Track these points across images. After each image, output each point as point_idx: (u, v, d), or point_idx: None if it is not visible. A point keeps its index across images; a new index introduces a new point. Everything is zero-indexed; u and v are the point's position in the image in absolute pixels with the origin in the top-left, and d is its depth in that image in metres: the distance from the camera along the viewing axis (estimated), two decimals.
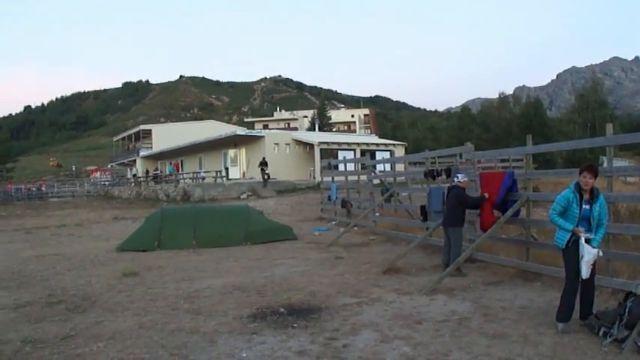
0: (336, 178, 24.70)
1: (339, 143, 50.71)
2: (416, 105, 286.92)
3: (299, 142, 49.90)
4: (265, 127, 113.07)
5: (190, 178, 47.12)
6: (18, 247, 20.90)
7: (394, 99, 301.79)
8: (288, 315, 8.68)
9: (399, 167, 26.02)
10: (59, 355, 7.44)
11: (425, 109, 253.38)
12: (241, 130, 58.01)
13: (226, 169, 50.89)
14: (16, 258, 17.61)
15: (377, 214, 20.09)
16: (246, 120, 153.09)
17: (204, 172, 47.88)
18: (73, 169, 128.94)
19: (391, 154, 49.97)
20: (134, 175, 67.64)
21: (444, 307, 8.96)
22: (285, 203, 32.35)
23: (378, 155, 45.72)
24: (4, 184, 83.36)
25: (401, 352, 6.83)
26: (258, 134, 51.36)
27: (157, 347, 7.47)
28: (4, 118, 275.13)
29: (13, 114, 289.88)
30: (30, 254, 18.24)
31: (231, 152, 52.46)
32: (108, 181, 78.90)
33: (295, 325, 8.18)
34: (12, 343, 8.17)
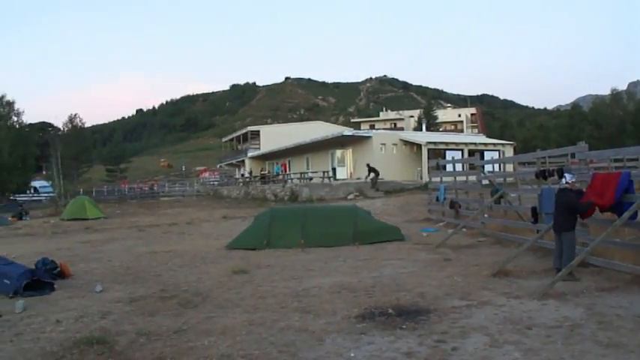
0: (444, 179, 24.41)
1: (446, 143, 50.09)
2: (524, 103, 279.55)
3: (406, 142, 49.55)
4: (372, 127, 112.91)
5: (298, 179, 47.47)
6: (132, 243, 21.64)
7: (501, 97, 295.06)
8: (397, 316, 8.62)
9: (508, 167, 25.48)
10: (172, 348, 7.65)
11: (533, 108, 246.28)
12: (348, 131, 58.14)
13: (333, 169, 51.06)
14: (130, 254, 18.26)
15: (485, 215, 19.72)
16: (352, 120, 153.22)
17: (312, 172, 48.14)
18: (183, 169, 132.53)
19: (500, 154, 49.01)
20: (242, 175, 68.76)
21: (556, 312, 8.66)
22: (392, 204, 32.20)
23: (487, 155, 44.95)
24: (119, 184, 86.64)
25: (511, 358, 6.66)
26: (366, 134, 51.31)
27: (266, 344, 7.57)
28: (117, 121, 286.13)
29: (126, 117, 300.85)
30: (143, 251, 18.87)
31: (338, 153, 52.59)
32: (217, 181, 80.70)
33: (404, 326, 8.10)
34: (127, 334, 8.47)
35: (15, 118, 70.61)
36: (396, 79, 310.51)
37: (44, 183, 78.37)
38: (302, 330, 8.16)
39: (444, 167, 27.25)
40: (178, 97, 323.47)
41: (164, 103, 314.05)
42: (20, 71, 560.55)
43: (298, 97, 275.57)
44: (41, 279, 12.67)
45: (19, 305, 10.72)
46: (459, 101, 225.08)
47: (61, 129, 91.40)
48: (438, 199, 23.86)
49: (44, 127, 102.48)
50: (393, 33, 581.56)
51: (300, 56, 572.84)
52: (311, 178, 45.70)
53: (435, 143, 48.44)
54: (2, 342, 8.62)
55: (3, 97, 69.94)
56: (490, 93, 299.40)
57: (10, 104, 70.28)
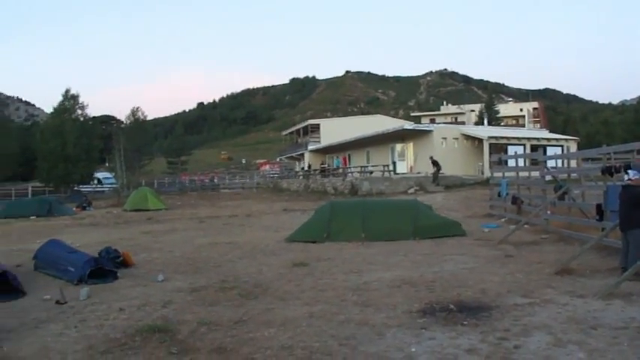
0: (506, 174, 24.09)
1: (508, 138, 49.31)
2: (587, 97, 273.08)
3: (467, 137, 48.97)
4: (432, 121, 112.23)
5: (358, 172, 47.37)
6: (193, 234, 21.93)
7: (564, 91, 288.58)
8: (458, 312, 8.53)
9: (572, 163, 24.99)
10: (232, 338, 7.72)
11: (597, 102, 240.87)
12: (409, 125, 57.70)
13: (393, 163, 50.79)
14: (191, 245, 18.50)
15: (548, 212, 19.38)
16: (412, 114, 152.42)
17: (372, 166, 48.00)
18: (243, 162, 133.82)
19: (563, 150, 48.09)
20: (302, 169, 68.96)
21: (622, 313, 8.42)
22: (452, 199, 31.89)
23: (550, 151, 44.13)
24: (179, 176, 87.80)
25: (575, 358, 6.54)
26: (426, 128, 50.91)
27: (327, 337, 7.58)
28: (178, 114, 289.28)
29: (187, 110, 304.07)
30: (204, 242, 19.09)
31: (399, 147, 52.24)
32: (277, 173, 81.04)
33: (465, 322, 8.02)
34: (188, 323, 8.58)
35: (79, 112, 71.92)
36: (457, 73, 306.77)
37: (107, 174, 79.72)
38: (362, 323, 8.15)
39: (506, 162, 26.83)
40: (239, 90, 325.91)
41: (224, 96, 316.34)
42: (84, 65, 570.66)
43: (358, 91, 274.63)
44: (105, 267, 12.95)
45: (83, 292, 10.95)
46: (521, 95, 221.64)
47: (124, 122, 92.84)
48: (499, 195, 23.54)
49: (107, 120, 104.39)
50: (454, 26, 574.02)
51: (360, 49, 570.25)
52: (371, 172, 45.55)
53: (496, 138, 47.76)
54: (67, 328, 8.83)
55: (68, 90, 71.40)
56: (552, 87, 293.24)
57: (75, 97, 71.66)
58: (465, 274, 11.75)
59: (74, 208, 41.03)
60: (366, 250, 15.52)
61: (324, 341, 7.40)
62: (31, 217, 35.15)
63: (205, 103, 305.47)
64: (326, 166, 62.26)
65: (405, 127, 51.69)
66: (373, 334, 7.65)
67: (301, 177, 60.81)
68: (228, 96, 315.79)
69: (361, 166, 49.28)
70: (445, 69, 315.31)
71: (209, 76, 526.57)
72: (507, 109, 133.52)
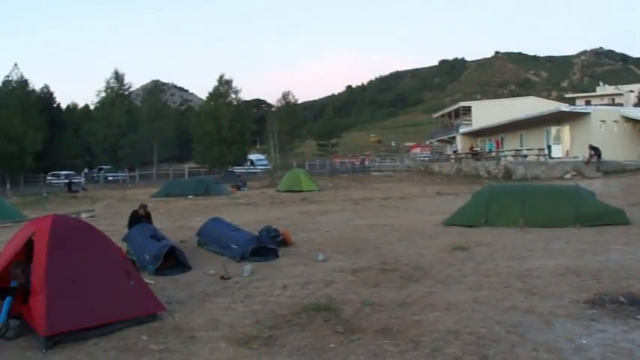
0: None
1: None
2: None
3: (628, 120, 46.60)
4: (587, 103, 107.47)
5: (512, 156, 46.28)
6: (348, 216, 22.22)
7: None
8: (629, 305, 8.12)
9: None
10: (397, 320, 7.81)
11: None
12: (565, 107, 55.73)
13: (548, 147, 49.22)
14: (347, 226, 18.78)
15: None
16: (566, 96, 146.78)
17: (526, 149, 46.74)
18: (393, 144, 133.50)
19: None
20: (454, 152, 68.16)
21: None
22: (612, 185, 30.58)
23: None
24: (330, 158, 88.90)
25: None
26: (584, 110, 48.86)
27: (493, 323, 7.52)
28: (328, 97, 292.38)
29: (336, 93, 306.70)
30: (360, 223, 19.31)
31: (554, 130, 50.46)
32: (427, 156, 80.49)
33: (638, 316, 7.67)
34: (352, 303, 8.75)
35: (233, 96, 74.76)
36: (613, 51, 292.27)
37: (260, 156, 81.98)
38: (528, 311, 8.01)
39: None
40: (387, 73, 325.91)
41: (373, 79, 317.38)
42: (235, 50, 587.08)
43: (508, 72, 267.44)
44: (266, 245, 13.36)
45: (247, 269, 11.40)
46: None
47: (274, 105, 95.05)
48: None
49: (259, 103, 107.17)
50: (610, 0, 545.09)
51: (510, 29, 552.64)
52: (525, 156, 44.32)
53: None
54: (234, 302, 9.27)
55: (222, 76, 74.42)
56: None
57: (229, 82, 74.52)
58: (633, 264, 11.17)
59: (229, 188, 42.51)
60: (525, 236, 15.16)
61: (490, 327, 7.35)
62: (189, 196, 36.86)
63: (354, 86, 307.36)
64: (478, 149, 61.13)
65: (562, 109, 49.91)
66: (541, 322, 7.50)
67: (453, 160, 60.13)
68: (376, 79, 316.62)
69: (515, 150, 48.09)
70: (600, 47, 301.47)
71: (358, 59, 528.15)
72: None
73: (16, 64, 75.45)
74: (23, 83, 67.52)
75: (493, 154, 52.62)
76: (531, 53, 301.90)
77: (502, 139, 60.46)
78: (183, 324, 8.13)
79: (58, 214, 9.47)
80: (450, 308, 8.27)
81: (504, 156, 47.95)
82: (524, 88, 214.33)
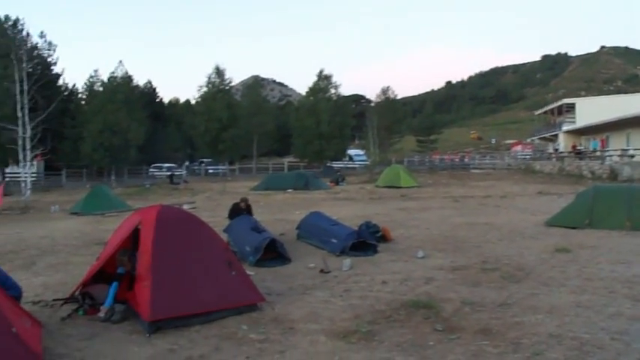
0: None
1: None
2: None
3: None
4: None
5: (618, 156, 44.80)
6: (448, 213, 22.04)
7: None
8: None
9: None
10: (497, 321, 7.74)
11: None
12: None
13: None
14: (447, 223, 18.64)
15: None
16: None
17: (634, 149, 45.17)
18: (493, 142, 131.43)
19: None
20: (556, 150, 66.59)
21: None
22: None
23: None
24: (429, 154, 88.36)
25: None
26: None
27: (597, 329, 7.35)
28: (427, 93, 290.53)
29: (435, 89, 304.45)
30: (460, 221, 19.12)
31: None
32: (529, 155, 78.89)
33: None
34: (452, 302, 8.73)
35: (333, 91, 75.18)
36: None
37: (359, 152, 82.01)
38: (635, 319, 7.77)
39: None
40: (487, 68, 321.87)
41: (473, 75, 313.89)
42: (334, 47, 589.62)
43: (615, 68, 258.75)
44: (366, 241, 13.41)
45: (346, 263, 11.50)
46: None
47: (373, 101, 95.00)
48: None
49: (357, 98, 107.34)
50: None
51: (616, 22, 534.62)
52: (632, 156, 42.87)
53: None
54: (333, 296, 9.37)
55: (321, 71, 75.03)
56: None
57: (328, 78, 75.02)
58: None
59: (328, 183, 42.78)
60: (632, 240, 14.58)
61: (594, 333, 7.17)
62: (288, 190, 37.28)
63: (454, 81, 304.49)
64: (582, 148, 59.46)
65: None
66: None
67: (555, 159, 58.75)
68: (476, 74, 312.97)
69: (621, 150, 46.54)
70: None
71: (458, 54, 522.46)
72: None
73: (120, 61, 78.44)
74: (127, 79, 69.44)
75: (597, 153, 51.16)
76: (639, 48, 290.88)
77: (607, 137, 58.52)
78: (283, 315, 8.29)
79: (164, 205, 9.80)
80: (552, 311, 8.12)
81: (610, 156, 46.52)
82: (631, 85, 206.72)
